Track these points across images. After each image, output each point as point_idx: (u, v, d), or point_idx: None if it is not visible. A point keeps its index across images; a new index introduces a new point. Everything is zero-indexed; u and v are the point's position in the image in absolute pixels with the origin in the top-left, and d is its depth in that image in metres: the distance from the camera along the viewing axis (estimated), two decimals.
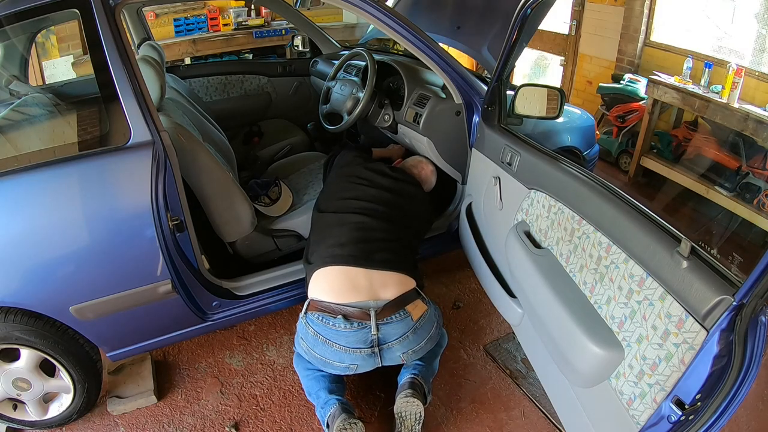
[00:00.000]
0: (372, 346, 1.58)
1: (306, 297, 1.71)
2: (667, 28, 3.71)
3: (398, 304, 1.61)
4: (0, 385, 1.65)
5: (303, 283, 1.95)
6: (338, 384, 1.72)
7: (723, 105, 2.98)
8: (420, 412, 1.63)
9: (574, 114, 2.73)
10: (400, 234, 1.78)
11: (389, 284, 1.64)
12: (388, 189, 1.87)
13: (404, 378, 1.70)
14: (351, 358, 1.59)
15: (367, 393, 1.94)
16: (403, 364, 1.76)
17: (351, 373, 1.66)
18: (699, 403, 1.03)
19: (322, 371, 1.70)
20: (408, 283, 1.67)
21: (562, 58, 4.46)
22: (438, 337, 1.76)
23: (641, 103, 3.61)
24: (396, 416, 1.66)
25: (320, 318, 1.59)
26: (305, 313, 1.65)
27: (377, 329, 1.56)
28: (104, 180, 1.53)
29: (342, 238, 1.70)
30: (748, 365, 0.97)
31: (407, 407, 1.63)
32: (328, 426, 1.61)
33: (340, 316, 1.57)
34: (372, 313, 1.56)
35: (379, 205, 1.80)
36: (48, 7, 1.52)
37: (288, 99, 3.26)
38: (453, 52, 2.34)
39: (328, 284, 1.65)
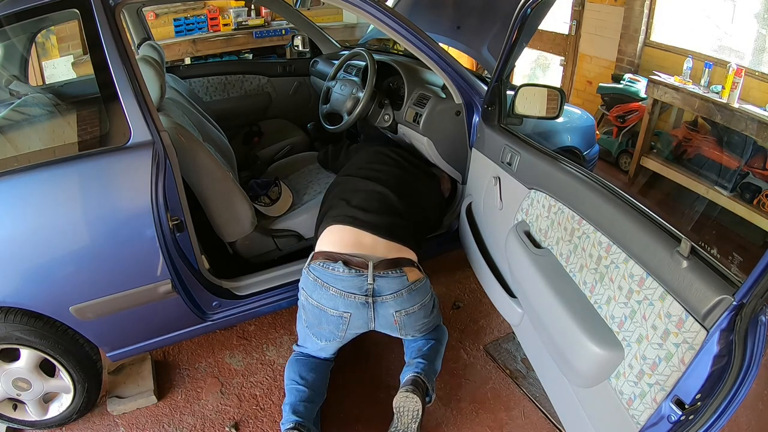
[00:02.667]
0: (367, 295, 1.62)
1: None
2: (667, 28, 3.71)
3: (396, 263, 1.67)
4: (0, 385, 1.65)
5: None
6: (307, 404, 1.66)
7: (723, 105, 2.98)
8: (417, 410, 1.64)
9: (574, 114, 2.73)
10: (415, 216, 1.88)
11: (392, 251, 1.71)
12: (413, 174, 2.02)
13: (407, 375, 1.71)
14: (345, 305, 1.63)
15: (369, 395, 1.94)
16: (405, 365, 1.77)
17: (344, 328, 1.67)
18: (699, 403, 1.03)
19: (302, 385, 1.69)
20: (410, 255, 1.74)
21: (562, 58, 4.46)
22: (432, 314, 1.79)
23: (641, 103, 3.61)
24: (394, 411, 1.67)
25: (321, 264, 1.65)
26: (309, 263, 1.70)
27: (373, 279, 1.61)
28: (104, 180, 1.53)
29: (366, 203, 1.80)
30: (748, 365, 0.97)
31: (405, 402, 1.64)
32: None
33: (340, 261, 1.63)
34: (370, 264, 1.62)
35: (402, 185, 1.92)
36: (48, 7, 1.51)
37: (288, 99, 3.25)
38: (453, 52, 2.34)
39: (338, 238, 1.72)
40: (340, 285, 1.63)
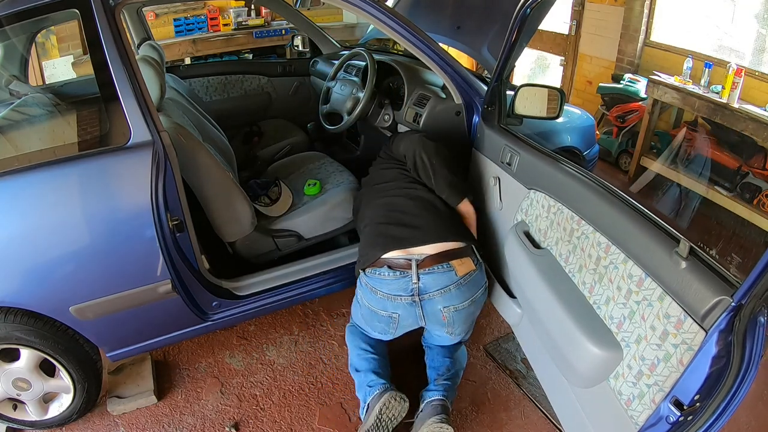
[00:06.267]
0: (413, 295, 1.61)
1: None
2: (667, 28, 3.71)
3: (443, 256, 1.62)
4: (0, 385, 1.65)
5: (302, 283, 1.98)
6: (384, 368, 1.77)
7: (723, 105, 2.98)
8: None
9: (574, 114, 2.73)
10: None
11: (438, 247, 1.64)
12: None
13: (434, 397, 1.68)
14: (393, 306, 1.65)
15: None
16: (427, 386, 1.76)
17: (394, 326, 1.71)
18: (698, 404, 1.03)
19: (373, 353, 1.78)
20: (459, 245, 1.67)
21: (562, 58, 4.45)
22: (483, 304, 1.75)
23: (641, 103, 3.61)
24: None
25: (371, 271, 1.68)
26: (362, 269, 1.73)
27: (418, 278, 1.59)
28: (104, 180, 1.54)
29: (405, 217, 1.74)
30: (747, 366, 0.97)
31: None
32: (368, 407, 1.66)
33: (385, 266, 1.63)
34: (413, 264, 1.59)
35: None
36: (48, 7, 1.52)
37: (288, 99, 3.25)
38: (453, 52, 2.34)
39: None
40: (386, 288, 1.63)
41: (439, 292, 1.60)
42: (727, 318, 0.98)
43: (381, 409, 1.64)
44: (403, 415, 1.67)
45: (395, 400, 1.65)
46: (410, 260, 1.60)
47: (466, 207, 1.80)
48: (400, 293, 1.62)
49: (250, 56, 4.91)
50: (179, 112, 2.01)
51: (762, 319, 0.98)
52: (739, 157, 3.12)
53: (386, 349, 1.86)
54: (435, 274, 1.60)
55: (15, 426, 1.78)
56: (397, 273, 1.61)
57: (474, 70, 3.12)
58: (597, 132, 3.48)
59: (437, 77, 2.11)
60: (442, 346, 1.87)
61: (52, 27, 3.54)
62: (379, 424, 1.64)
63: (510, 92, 1.93)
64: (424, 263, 1.60)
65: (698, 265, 1.07)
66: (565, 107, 1.88)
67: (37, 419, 1.77)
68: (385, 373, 1.76)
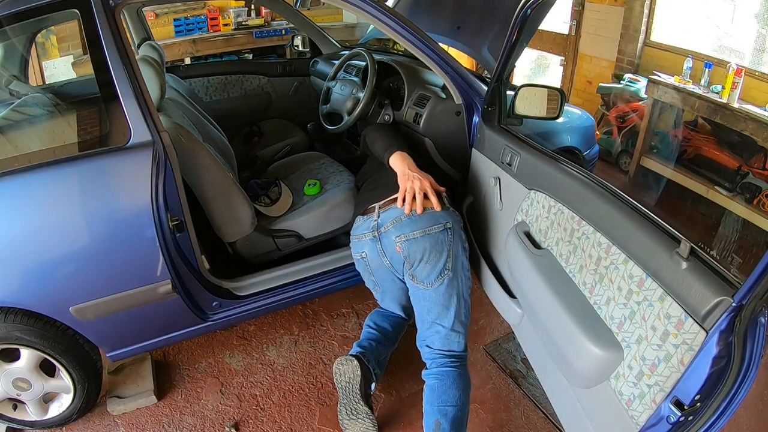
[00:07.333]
0: (373, 230, 1.73)
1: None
2: (667, 28, 3.71)
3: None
4: (0, 385, 1.65)
5: (302, 283, 1.99)
6: (373, 342, 1.85)
7: (723, 105, 2.98)
8: None
9: (574, 114, 2.73)
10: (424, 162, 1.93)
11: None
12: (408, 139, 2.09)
13: None
14: (361, 246, 1.79)
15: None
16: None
17: (368, 268, 1.82)
18: (698, 404, 1.03)
19: (372, 329, 1.91)
20: None
21: (562, 58, 4.46)
22: (447, 258, 1.66)
23: (641, 103, 3.61)
24: None
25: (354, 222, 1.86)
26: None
27: (378, 216, 1.73)
28: (104, 180, 1.53)
29: (378, 181, 1.91)
30: (748, 366, 0.97)
31: None
32: None
33: (359, 216, 1.83)
34: (377, 205, 1.75)
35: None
36: (48, 7, 1.52)
37: (288, 99, 3.25)
38: (453, 52, 2.34)
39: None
40: (357, 232, 1.80)
41: (392, 223, 1.69)
42: (728, 318, 0.97)
43: (336, 379, 1.73)
44: (359, 373, 1.69)
45: (342, 364, 1.72)
46: (375, 206, 1.76)
47: (394, 161, 1.78)
48: (364, 231, 1.77)
49: (250, 56, 4.92)
50: (179, 112, 2.01)
51: (762, 320, 0.97)
52: (739, 157, 3.12)
53: (395, 333, 1.92)
54: (390, 209, 1.71)
55: (15, 426, 1.78)
56: (365, 217, 1.78)
57: (474, 70, 3.12)
58: (597, 132, 3.48)
59: (437, 77, 2.11)
60: (431, 387, 1.64)
61: (52, 27, 3.54)
62: (344, 394, 1.71)
63: (510, 92, 1.93)
64: (384, 204, 1.74)
65: (699, 266, 1.06)
66: (565, 107, 1.88)
67: (37, 419, 1.77)
68: (370, 346, 1.82)
